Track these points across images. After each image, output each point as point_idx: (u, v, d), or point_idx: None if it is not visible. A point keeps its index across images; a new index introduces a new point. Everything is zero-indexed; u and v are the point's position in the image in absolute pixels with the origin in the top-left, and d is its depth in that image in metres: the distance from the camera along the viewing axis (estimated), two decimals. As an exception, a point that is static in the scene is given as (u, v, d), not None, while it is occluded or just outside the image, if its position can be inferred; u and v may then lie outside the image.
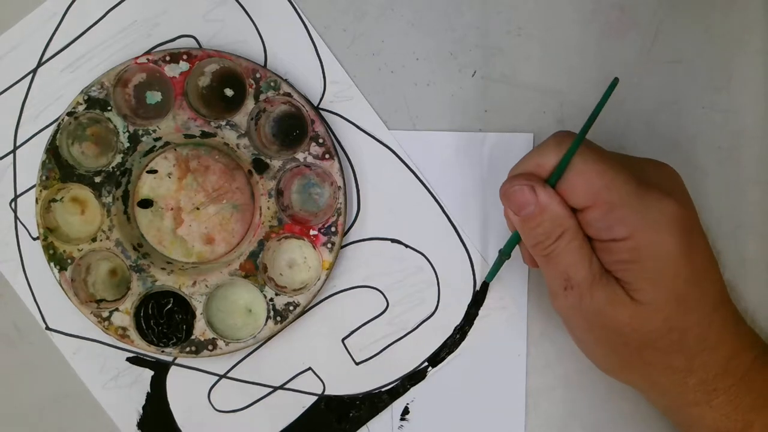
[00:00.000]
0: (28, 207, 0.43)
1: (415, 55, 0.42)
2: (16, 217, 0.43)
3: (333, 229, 0.41)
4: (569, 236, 0.33)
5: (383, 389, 0.43)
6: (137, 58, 0.41)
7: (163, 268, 0.42)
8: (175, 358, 0.43)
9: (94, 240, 0.41)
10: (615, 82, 0.34)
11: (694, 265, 0.33)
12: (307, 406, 0.43)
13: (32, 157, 0.42)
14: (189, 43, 0.42)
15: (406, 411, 0.43)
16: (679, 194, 0.34)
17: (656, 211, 0.32)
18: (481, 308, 0.42)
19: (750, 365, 0.35)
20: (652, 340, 0.33)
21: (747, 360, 0.35)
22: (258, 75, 0.40)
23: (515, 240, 0.37)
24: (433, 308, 0.42)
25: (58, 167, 0.41)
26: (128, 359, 0.43)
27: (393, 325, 0.42)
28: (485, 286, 0.41)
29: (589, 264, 0.33)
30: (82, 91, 0.41)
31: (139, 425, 0.43)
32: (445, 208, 0.42)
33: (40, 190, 0.41)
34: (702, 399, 0.34)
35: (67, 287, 0.41)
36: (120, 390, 0.43)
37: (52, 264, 0.41)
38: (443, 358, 0.42)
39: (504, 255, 0.38)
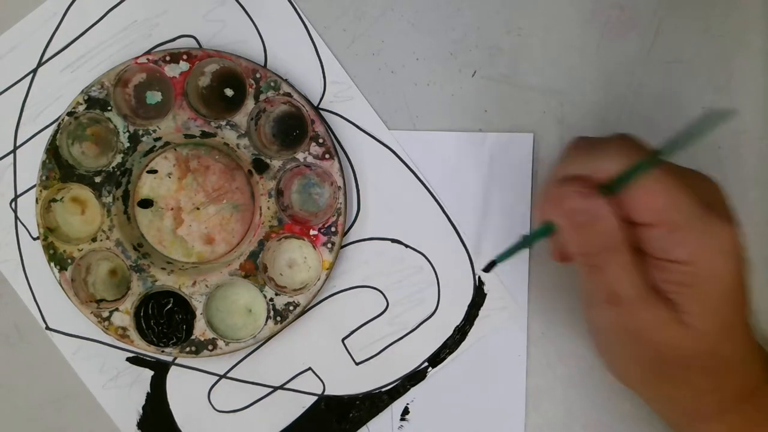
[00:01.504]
0: (28, 207, 0.43)
1: (415, 55, 0.42)
2: (16, 217, 0.43)
3: (333, 229, 0.41)
4: (621, 250, 0.31)
5: (383, 389, 0.43)
6: (137, 58, 0.41)
7: (163, 268, 0.42)
8: (175, 358, 0.43)
9: (94, 240, 0.41)
10: (713, 119, 0.29)
11: (742, 292, 0.32)
12: (307, 406, 0.43)
13: (32, 157, 0.42)
14: (189, 43, 0.42)
15: (406, 411, 0.43)
16: (729, 214, 0.33)
17: (718, 236, 0.31)
18: (481, 308, 0.42)
19: (764, 386, 0.34)
20: (689, 361, 0.32)
21: (763, 381, 0.34)
22: (258, 75, 0.40)
23: (542, 233, 0.34)
24: (433, 308, 0.42)
25: (59, 167, 0.41)
26: (128, 359, 0.43)
27: (393, 325, 0.42)
28: (492, 264, 0.38)
29: (638, 281, 0.31)
30: (82, 91, 0.41)
31: (139, 425, 0.43)
32: (445, 208, 0.42)
33: (40, 190, 0.41)
34: (714, 416, 0.34)
35: (67, 287, 0.41)
36: (120, 390, 0.43)
37: (52, 264, 0.41)
38: (443, 359, 0.42)
39: (526, 244, 0.37)
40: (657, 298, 0.31)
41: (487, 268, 0.38)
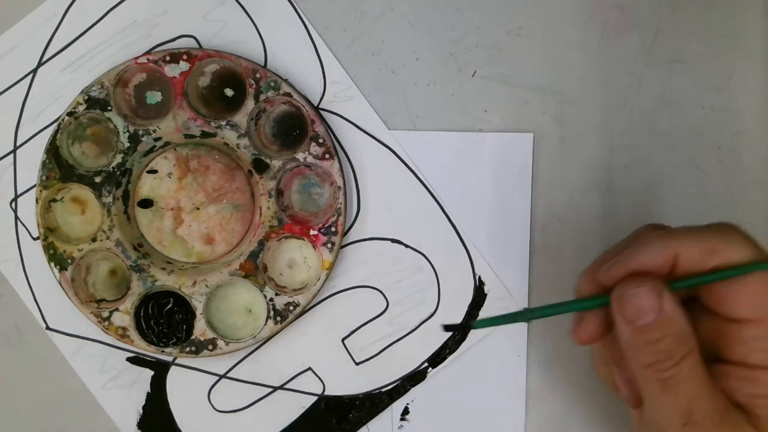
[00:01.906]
0: (28, 207, 0.43)
1: (415, 55, 0.42)
2: (16, 217, 0.43)
3: (333, 229, 0.41)
4: (695, 358, 0.26)
5: (383, 389, 0.43)
6: (137, 58, 0.41)
7: (163, 268, 0.42)
8: (175, 358, 0.43)
9: (94, 240, 0.41)
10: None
11: None
12: (307, 406, 0.43)
13: (32, 157, 0.42)
14: (189, 43, 0.42)
15: (406, 411, 0.43)
16: None
17: None
18: (481, 308, 0.42)
19: None
20: None
21: None
22: (258, 75, 0.40)
23: (558, 311, 0.29)
24: (433, 308, 0.42)
25: (59, 167, 0.41)
26: (128, 359, 0.43)
27: (393, 325, 0.42)
28: (465, 328, 0.34)
29: (716, 394, 0.27)
30: (82, 91, 0.41)
31: (139, 425, 0.43)
32: (445, 208, 0.42)
33: (41, 190, 0.41)
34: None
35: (67, 287, 0.41)
36: (120, 390, 0.43)
37: (52, 264, 0.41)
38: (443, 359, 0.42)
39: (525, 318, 0.32)
40: (738, 414, 0.27)
41: (451, 328, 0.33)
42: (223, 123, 0.41)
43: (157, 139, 0.41)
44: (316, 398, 0.43)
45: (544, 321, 0.42)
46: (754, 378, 0.26)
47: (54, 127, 0.41)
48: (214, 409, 0.43)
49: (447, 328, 0.32)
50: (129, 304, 0.41)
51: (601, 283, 0.29)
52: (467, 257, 0.42)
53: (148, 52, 0.42)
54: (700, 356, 0.27)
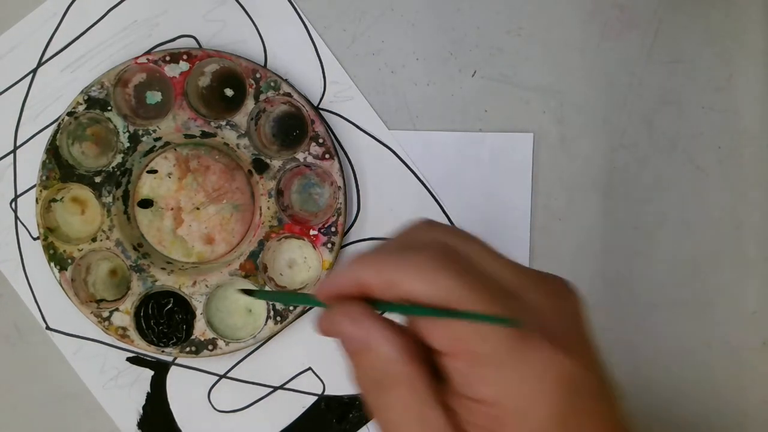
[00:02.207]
0: (28, 207, 0.43)
1: (415, 55, 0.42)
2: (16, 217, 0.43)
3: (333, 229, 0.41)
4: (405, 390, 0.24)
5: (383, 389, 0.42)
6: (137, 58, 0.41)
7: (163, 268, 0.42)
8: (175, 358, 0.43)
9: (94, 240, 0.41)
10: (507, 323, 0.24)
11: None
12: (307, 406, 0.43)
13: (32, 157, 0.42)
14: (189, 43, 0.42)
15: (406, 411, 0.43)
16: (573, 334, 0.26)
17: (536, 371, 0.24)
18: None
19: None
20: None
21: None
22: (258, 75, 0.40)
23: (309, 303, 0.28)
24: (433, 308, 0.42)
25: (58, 167, 0.41)
26: (128, 359, 0.43)
27: (393, 325, 0.42)
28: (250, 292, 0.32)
29: (435, 426, 0.24)
30: (82, 91, 0.41)
31: (139, 425, 0.43)
32: (445, 208, 0.42)
33: (40, 190, 0.41)
34: None
35: (67, 287, 0.41)
36: (120, 390, 0.43)
37: (52, 264, 0.41)
38: (443, 358, 0.42)
39: (291, 302, 0.35)
40: None
41: (248, 292, 0.31)
42: (223, 123, 0.41)
43: (157, 139, 0.41)
44: (316, 398, 0.43)
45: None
46: (467, 407, 0.24)
47: (54, 127, 0.41)
48: (214, 409, 0.43)
49: (243, 291, 0.30)
50: (129, 304, 0.41)
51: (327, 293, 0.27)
52: (467, 257, 0.42)
53: (148, 52, 0.42)
54: (420, 385, 0.24)
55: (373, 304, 0.25)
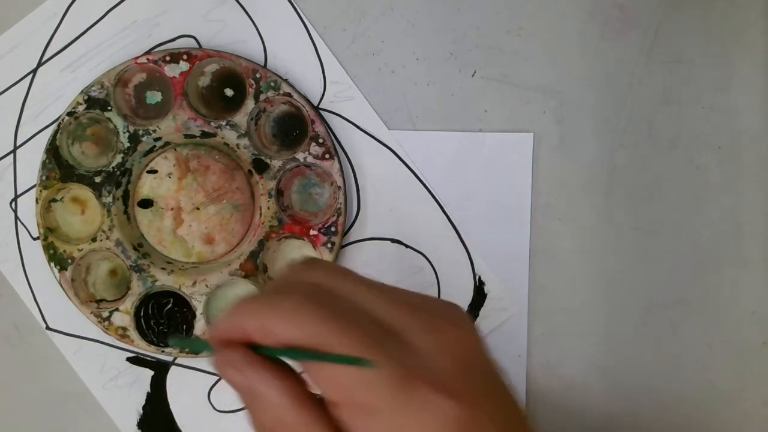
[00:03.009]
0: (28, 207, 0.43)
1: (415, 55, 0.42)
2: (16, 217, 0.43)
3: (333, 229, 0.41)
4: None
5: (383, 389, 0.42)
6: (137, 58, 0.41)
7: (163, 268, 0.42)
8: (175, 358, 0.43)
9: (94, 240, 0.41)
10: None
11: None
12: (307, 406, 0.43)
13: (32, 157, 0.42)
14: (189, 43, 0.42)
15: (406, 411, 0.43)
16: (460, 374, 0.24)
17: (420, 420, 0.23)
18: (481, 309, 0.42)
19: None
20: None
21: None
22: (258, 75, 0.40)
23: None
24: (433, 308, 0.42)
25: (58, 167, 0.41)
26: (128, 359, 0.43)
27: (393, 325, 0.42)
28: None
29: None
30: (82, 91, 0.41)
31: (139, 425, 0.43)
32: (445, 208, 0.42)
33: (40, 190, 0.41)
34: None
35: (67, 287, 0.41)
36: (120, 390, 0.43)
37: (52, 264, 0.41)
38: (443, 358, 0.42)
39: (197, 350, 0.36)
40: None
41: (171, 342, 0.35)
42: (223, 123, 0.41)
43: (157, 139, 0.41)
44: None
45: (545, 321, 0.42)
46: None
47: (54, 127, 0.41)
48: (214, 409, 0.43)
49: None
50: (129, 304, 0.41)
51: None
52: (467, 257, 0.42)
53: (148, 52, 0.42)
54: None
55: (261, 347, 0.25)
